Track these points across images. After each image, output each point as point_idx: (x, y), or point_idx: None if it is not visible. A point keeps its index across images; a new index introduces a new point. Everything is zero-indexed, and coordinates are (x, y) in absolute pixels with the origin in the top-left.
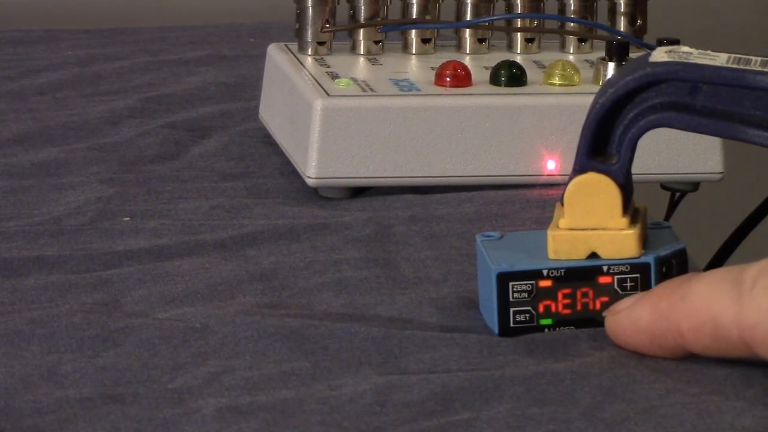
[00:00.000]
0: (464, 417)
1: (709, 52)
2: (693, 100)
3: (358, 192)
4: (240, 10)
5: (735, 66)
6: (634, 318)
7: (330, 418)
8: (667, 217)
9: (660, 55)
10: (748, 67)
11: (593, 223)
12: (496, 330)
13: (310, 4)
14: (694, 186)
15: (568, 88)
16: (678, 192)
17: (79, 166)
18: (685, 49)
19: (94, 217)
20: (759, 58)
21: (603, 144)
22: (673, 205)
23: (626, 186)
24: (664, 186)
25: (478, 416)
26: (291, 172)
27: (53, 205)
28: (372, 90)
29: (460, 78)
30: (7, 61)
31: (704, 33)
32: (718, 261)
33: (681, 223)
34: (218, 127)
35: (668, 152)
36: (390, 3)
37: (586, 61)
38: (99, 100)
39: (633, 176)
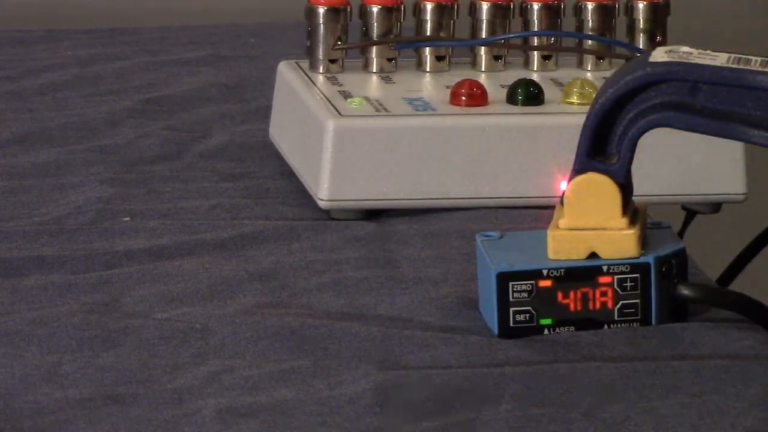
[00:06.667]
0: (464, 417)
1: (709, 52)
2: (693, 100)
3: (371, 214)
4: (240, 11)
5: (735, 66)
6: None
7: (330, 418)
8: (681, 235)
9: (660, 55)
10: (748, 67)
11: (593, 223)
12: (496, 330)
13: (321, 20)
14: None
15: (586, 107)
16: (698, 213)
17: (80, 166)
18: (685, 49)
19: (94, 217)
20: (759, 58)
21: (603, 144)
22: (686, 222)
23: (626, 186)
24: (685, 207)
25: (478, 416)
26: (291, 173)
27: (53, 205)
28: (385, 109)
29: (476, 97)
30: (8, 61)
31: (704, 33)
32: (728, 276)
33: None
34: (218, 127)
35: (689, 173)
36: (404, 19)
37: (605, 78)
38: (99, 101)
39: (653, 198)
